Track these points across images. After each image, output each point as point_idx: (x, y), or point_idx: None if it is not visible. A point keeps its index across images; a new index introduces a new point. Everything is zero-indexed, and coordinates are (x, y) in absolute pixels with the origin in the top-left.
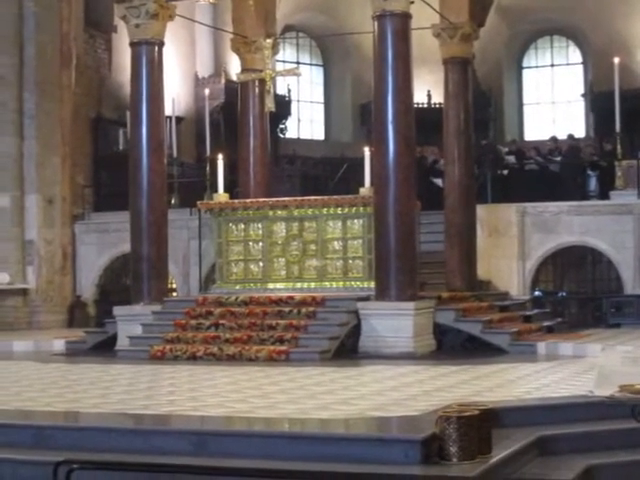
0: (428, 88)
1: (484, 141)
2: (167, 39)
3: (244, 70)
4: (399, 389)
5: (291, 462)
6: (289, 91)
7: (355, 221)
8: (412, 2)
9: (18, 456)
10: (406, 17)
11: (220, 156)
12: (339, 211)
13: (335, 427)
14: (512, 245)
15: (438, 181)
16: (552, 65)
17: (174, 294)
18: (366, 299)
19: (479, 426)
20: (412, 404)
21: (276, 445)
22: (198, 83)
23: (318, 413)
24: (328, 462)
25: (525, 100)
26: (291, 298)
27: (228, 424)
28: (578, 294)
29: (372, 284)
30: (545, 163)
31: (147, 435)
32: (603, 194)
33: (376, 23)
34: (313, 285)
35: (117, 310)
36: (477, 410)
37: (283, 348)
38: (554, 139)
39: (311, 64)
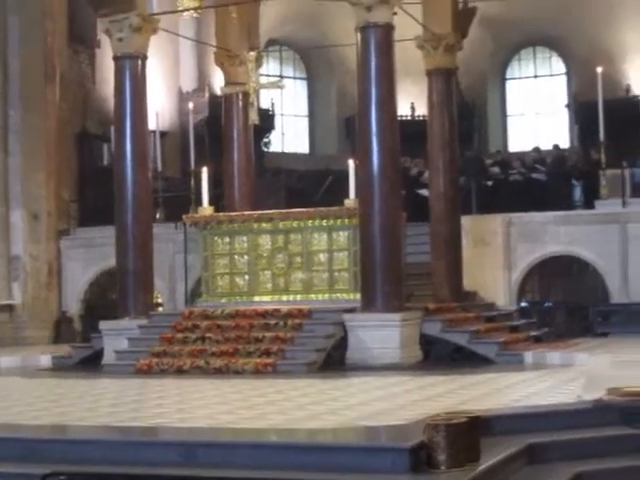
0: (412, 100)
1: (468, 152)
2: (151, 54)
3: (228, 83)
4: (387, 399)
5: (280, 472)
6: (272, 105)
7: (340, 233)
8: (395, 13)
9: (6, 469)
10: (389, 28)
11: (205, 169)
12: (324, 223)
13: (323, 436)
14: (498, 255)
15: (424, 192)
16: (535, 76)
17: (160, 309)
18: (352, 311)
19: (467, 434)
20: (400, 413)
21: (265, 455)
22: (182, 97)
23: (306, 423)
24: (316, 471)
25: (509, 111)
26: (277, 311)
27: (216, 435)
28: (565, 304)
29: (358, 296)
30: (528, 173)
31: (135, 447)
32: (588, 203)
33: (359, 35)
34: (299, 297)
35: (103, 324)
36: (465, 418)
37: (270, 360)
38: (537, 150)
39: (295, 77)
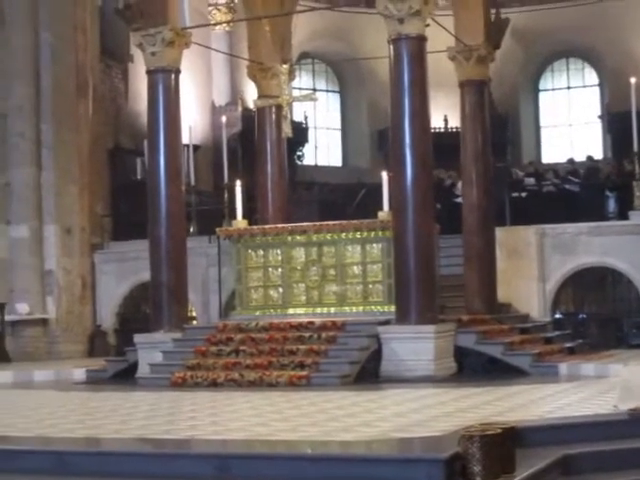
0: (444, 113)
1: (500, 164)
2: (184, 68)
3: (261, 96)
4: (421, 411)
5: None
6: (306, 118)
7: (374, 245)
8: (427, 25)
9: None
10: (422, 40)
11: (238, 182)
12: (358, 235)
13: (357, 448)
14: (531, 267)
15: (459, 200)
16: (568, 87)
17: (194, 322)
18: (386, 323)
19: (502, 445)
20: (434, 425)
21: (299, 467)
22: (215, 111)
23: (340, 435)
24: None
25: (542, 123)
26: (311, 323)
27: (250, 447)
28: (599, 315)
29: (392, 308)
30: (561, 185)
31: (169, 459)
32: (622, 214)
33: (392, 47)
34: (333, 310)
35: (137, 338)
36: (500, 429)
37: (304, 373)
38: (571, 161)
39: (327, 90)
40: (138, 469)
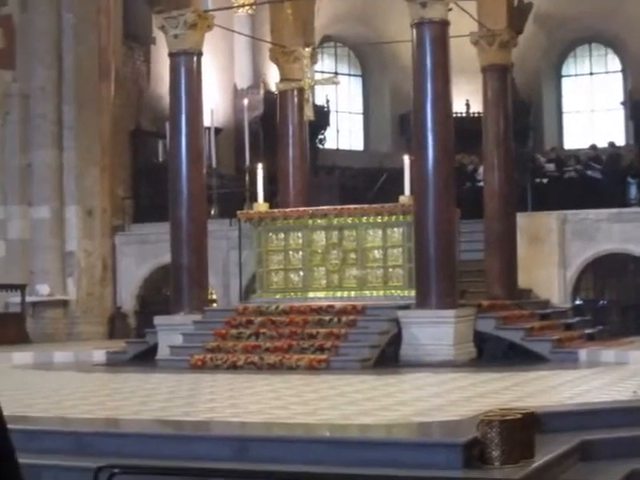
0: (466, 98)
1: (521, 150)
2: (206, 51)
3: (283, 80)
4: (440, 395)
5: (332, 467)
6: (328, 102)
7: (395, 229)
8: (450, 9)
9: (60, 462)
10: (444, 24)
11: (260, 166)
12: (379, 220)
13: (376, 432)
14: (552, 253)
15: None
16: (591, 73)
17: (214, 305)
18: (406, 307)
19: (521, 430)
20: (453, 409)
21: (317, 450)
22: (237, 94)
23: (359, 419)
24: (369, 467)
25: (564, 108)
26: (331, 307)
27: (269, 430)
28: (619, 302)
29: (412, 292)
30: (583, 171)
31: (188, 441)
32: None
33: (415, 31)
34: (353, 294)
35: (158, 320)
36: (519, 414)
37: (324, 357)
38: (594, 147)
39: (349, 74)
40: (157, 450)
